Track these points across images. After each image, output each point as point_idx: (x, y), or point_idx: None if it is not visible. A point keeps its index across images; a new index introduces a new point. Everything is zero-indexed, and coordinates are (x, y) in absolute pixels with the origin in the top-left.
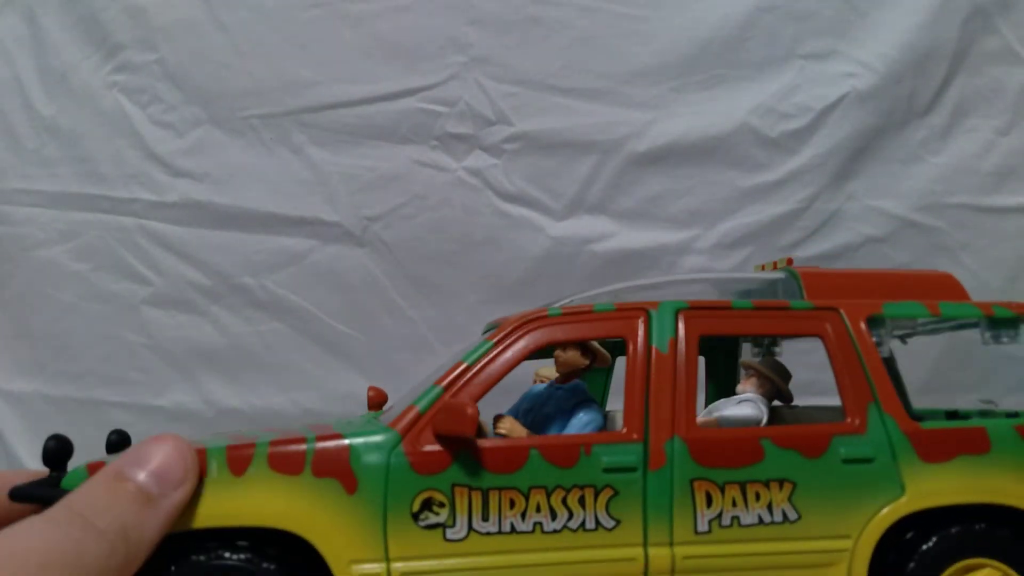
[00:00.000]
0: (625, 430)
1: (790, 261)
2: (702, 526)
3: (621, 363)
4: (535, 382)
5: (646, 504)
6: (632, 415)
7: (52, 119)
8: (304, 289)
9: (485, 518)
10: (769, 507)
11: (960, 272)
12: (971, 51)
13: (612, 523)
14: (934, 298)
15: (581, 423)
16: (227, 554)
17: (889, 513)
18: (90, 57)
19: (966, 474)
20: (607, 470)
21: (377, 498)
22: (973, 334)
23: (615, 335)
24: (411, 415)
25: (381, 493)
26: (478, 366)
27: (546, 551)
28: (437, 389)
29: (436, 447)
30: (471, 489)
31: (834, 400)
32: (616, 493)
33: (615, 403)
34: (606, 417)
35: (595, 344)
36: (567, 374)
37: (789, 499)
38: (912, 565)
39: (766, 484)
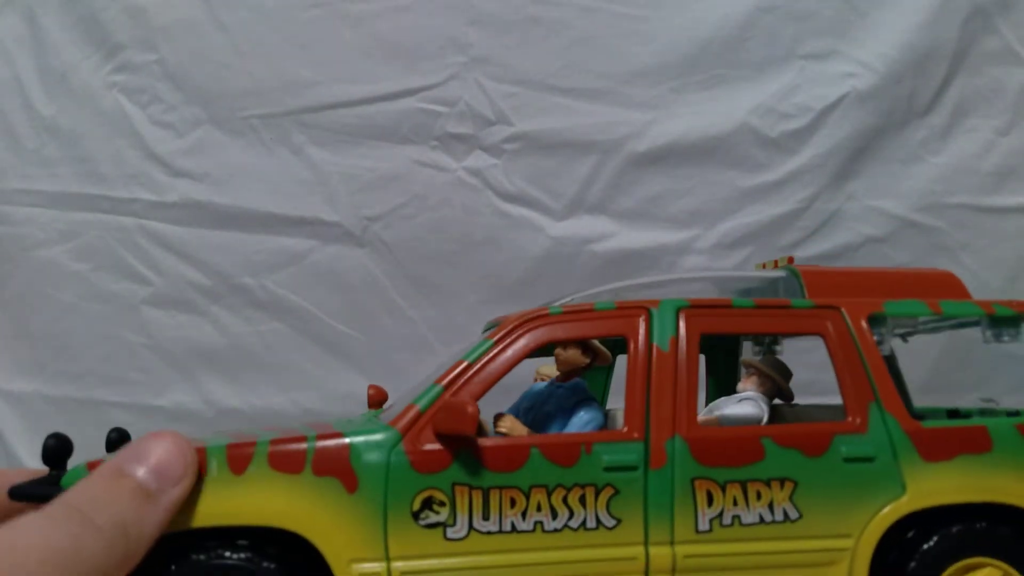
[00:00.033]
0: (626, 429)
1: (791, 260)
2: (703, 525)
3: (622, 361)
4: (536, 380)
5: (647, 503)
6: (633, 414)
7: (52, 119)
8: (304, 289)
9: (486, 517)
10: (770, 506)
11: (960, 272)
12: (971, 51)
13: (613, 522)
14: (935, 296)
15: (582, 422)
16: (227, 553)
17: (890, 512)
18: (90, 57)
19: (967, 473)
20: (608, 469)
21: (377, 497)
22: (974, 333)
23: (616, 333)
24: (411, 414)
25: (381, 492)
26: (479, 364)
27: (547, 550)
28: (437, 388)
29: (436, 446)
30: (472, 488)
31: (835, 399)
32: (617, 492)
33: (615, 402)
34: (607, 416)
35: (596, 343)
36: (568, 372)
37: (790, 498)
38: (913, 564)
39: (767, 483)
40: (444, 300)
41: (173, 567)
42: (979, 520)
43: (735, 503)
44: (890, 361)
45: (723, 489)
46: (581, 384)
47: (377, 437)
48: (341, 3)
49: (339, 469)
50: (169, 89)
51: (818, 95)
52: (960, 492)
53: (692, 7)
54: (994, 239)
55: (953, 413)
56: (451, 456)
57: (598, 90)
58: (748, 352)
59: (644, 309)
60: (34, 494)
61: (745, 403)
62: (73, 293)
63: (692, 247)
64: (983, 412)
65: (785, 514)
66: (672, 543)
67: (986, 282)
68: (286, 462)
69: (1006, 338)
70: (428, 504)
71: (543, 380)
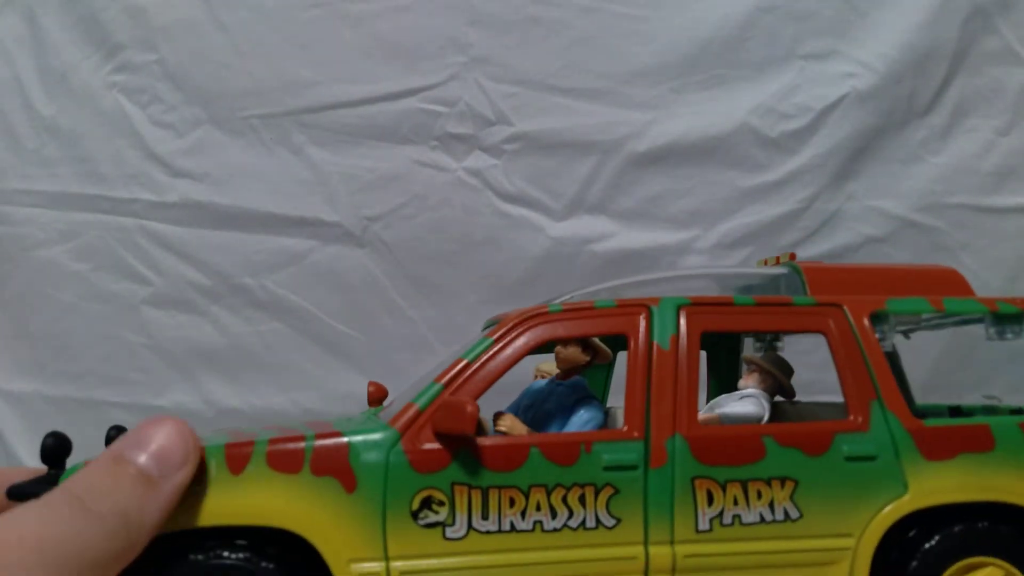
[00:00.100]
0: (626, 428)
1: (793, 256)
2: (703, 524)
3: (622, 359)
4: (536, 377)
5: (647, 502)
6: (633, 412)
7: (52, 119)
8: (304, 289)
9: (485, 517)
10: (771, 505)
11: (960, 272)
12: (971, 51)
13: (613, 521)
14: (938, 293)
15: (582, 420)
16: (226, 553)
17: (892, 511)
18: (90, 57)
19: (969, 472)
20: (608, 468)
21: (376, 496)
22: (976, 331)
23: (616, 331)
24: (410, 413)
25: (380, 491)
26: (478, 363)
27: (546, 550)
28: (437, 386)
29: (436, 445)
30: (471, 487)
31: (836, 397)
32: (617, 491)
33: (615, 400)
34: (607, 414)
35: (596, 340)
36: (568, 370)
37: (791, 497)
38: (915, 564)
39: (768, 482)
40: (444, 300)
41: (172, 567)
42: (981, 519)
43: (735, 502)
44: (892, 359)
45: (723, 488)
46: (581, 382)
47: (376, 436)
48: (341, 3)
49: (338, 468)
50: (169, 89)
51: (818, 95)
52: (962, 491)
53: (692, 7)
54: (994, 239)
55: (955, 411)
56: (450, 455)
57: (598, 90)
58: (749, 349)
59: (644, 307)
60: (33, 493)
61: (746, 401)
62: (73, 293)
63: (692, 247)
64: (986, 410)
65: (786, 513)
66: (672, 543)
67: (986, 282)
68: (284, 462)
69: (1009, 335)
70: (427, 504)
71: (543, 377)
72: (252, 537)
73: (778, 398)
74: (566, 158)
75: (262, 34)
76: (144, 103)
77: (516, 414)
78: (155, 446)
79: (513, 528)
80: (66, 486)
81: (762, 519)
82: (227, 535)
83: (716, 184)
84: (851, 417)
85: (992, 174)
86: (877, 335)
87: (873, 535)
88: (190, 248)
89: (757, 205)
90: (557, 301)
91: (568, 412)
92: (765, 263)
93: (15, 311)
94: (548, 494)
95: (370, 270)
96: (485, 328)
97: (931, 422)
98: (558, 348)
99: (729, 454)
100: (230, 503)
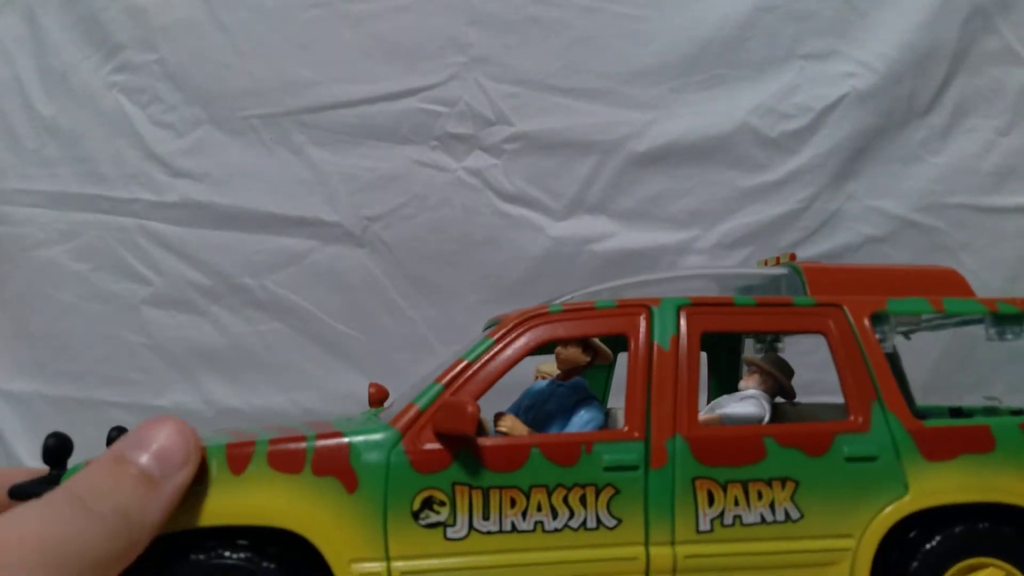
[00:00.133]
0: (626, 428)
1: (793, 256)
2: (704, 525)
3: (622, 361)
4: (536, 378)
5: (648, 503)
6: (633, 413)
7: (52, 119)
8: (304, 289)
9: (486, 517)
10: (771, 506)
11: (960, 272)
12: (971, 51)
13: (613, 522)
14: (938, 294)
15: (582, 421)
16: (227, 553)
17: (892, 512)
18: (90, 57)
19: (970, 473)
20: (608, 468)
21: (377, 497)
22: (976, 331)
23: (616, 332)
24: (411, 413)
25: (381, 492)
26: (479, 363)
27: (547, 550)
28: (437, 387)
29: (436, 445)
30: (472, 488)
31: (836, 398)
32: (617, 492)
33: (616, 401)
34: (607, 415)
35: (596, 341)
36: (568, 371)
37: (792, 498)
38: (915, 564)
39: (768, 483)
40: (444, 300)
41: (173, 567)
42: (982, 520)
43: (736, 503)
44: (892, 360)
45: (724, 489)
46: (582, 383)
47: (377, 437)
48: (341, 3)
49: (339, 469)
50: (169, 89)
51: (818, 95)
52: (962, 492)
53: (692, 7)
54: (994, 239)
55: (956, 412)
56: (451, 456)
57: (598, 90)
58: (750, 350)
59: (645, 307)
60: (34, 493)
61: (747, 402)
62: (73, 293)
63: (692, 247)
64: (986, 411)
65: (786, 514)
66: (673, 543)
67: (986, 282)
68: (285, 462)
69: (1009, 336)
70: (428, 504)
71: (543, 378)
72: (253, 537)
73: (779, 399)
74: (566, 158)
75: (262, 34)
76: (144, 103)
77: (517, 415)
78: (156, 446)
79: (514, 528)
80: (67, 486)
81: (763, 520)
82: (228, 535)
83: (716, 184)
84: (851, 418)
85: (992, 174)
86: (877, 335)
87: (874, 536)
88: (190, 248)
89: (757, 205)
90: (557, 302)
91: (569, 413)
92: (765, 263)
93: (15, 311)
94: (549, 494)
95: (370, 270)
96: (486, 329)
97: (931, 423)
98: (559, 349)
99: (730, 455)
100: (231, 503)
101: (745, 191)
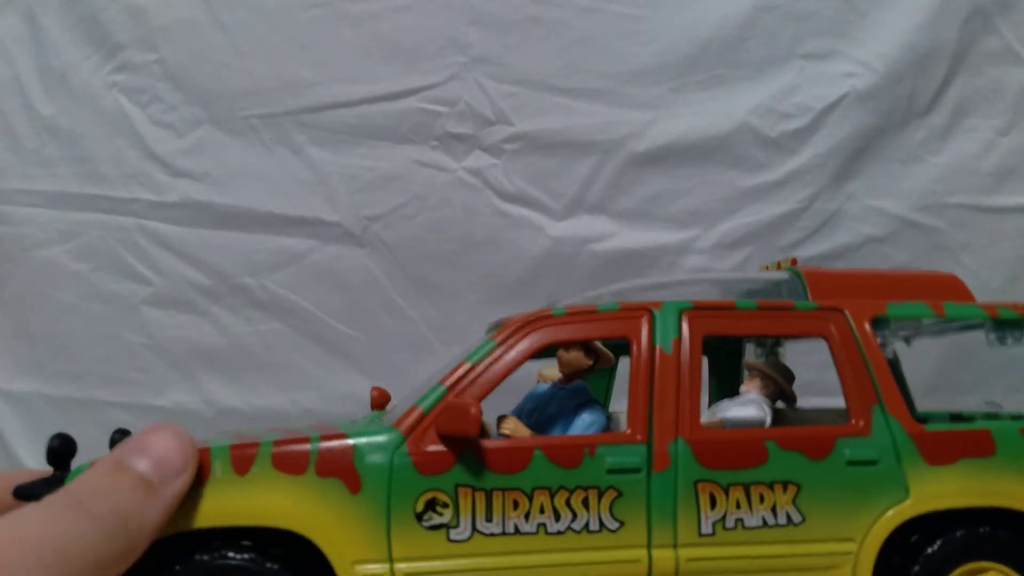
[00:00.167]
0: (629, 431)
1: (794, 261)
2: (706, 528)
3: (624, 365)
4: (538, 382)
5: (650, 506)
6: (636, 416)
7: (52, 119)
8: (304, 289)
9: (489, 519)
10: (773, 509)
11: (960, 272)
12: (971, 51)
13: (616, 524)
14: (938, 299)
15: (584, 424)
16: (231, 554)
17: (894, 516)
18: (90, 57)
19: (970, 477)
20: (611, 471)
21: (381, 498)
22: (976, 335)
23: (619, 335)
24: (415, 415)
25: (385, 493)
26: (482, 365)
27: (550, 552)
28: (441, 388)
29: (440, 447)
30: (475, 490)
31: (836, 401)
32: (620, 494)
33: (617, 404)
34: (609, 419)
35: (598, 344)
36: (570, 375)
37: (793, 501)
38: (917, 568)
39: (770, 486)
40: (444, 300)
41: (177, 567)
42: (983, 524)
43: (738, 506)
44: (893, 364)
45: (726, 492)
46: (583, 386)
47: (380, 438)
48: (341, 3)
49: (342, 470)
50: (169, 89)
51: (818, 95)
52: (963, 496)
53: (692, 7)
54: (994, 239)
55: (956, 417)
56: (454, 457)
57: (598, 90)
58: (751, 355)
59: (647, 311)
60: (38, 494)
61: (748, 406)
62: (73, 293)
63: (692, 247)
64: (987, 416)
65: (788, 517)
66: (675, 546)
67: (986, 282)
68: (289, 463)
69: (1010, 341)
70: (431, 505)
71: (545, 382)
72: (257, 538)
73: (779, 404)
74: (566, 158)
75: (262, 34)
76: (144, 103)
77: (519, 418)
78: (155, 452)
79: (517, 530)
80: (67, 489)
81: (764, 523)
82: (232, 536)
83: (716, 184)
84: (852, 421)
85: (992, 174)
86: (878, 339)
87: (875, 539)
88: (190, 248)
89: (757, 205)
90: (560, 305)
91: (571, 416)
92: (767, 268)
93: (15, 311)
94: (552, 496)
95: (370, 270)
96: (488, 332)
97: (932, 426)
98: (560, 352)
99: (731, 458)
100: (235, 504)
101: (745, 191)
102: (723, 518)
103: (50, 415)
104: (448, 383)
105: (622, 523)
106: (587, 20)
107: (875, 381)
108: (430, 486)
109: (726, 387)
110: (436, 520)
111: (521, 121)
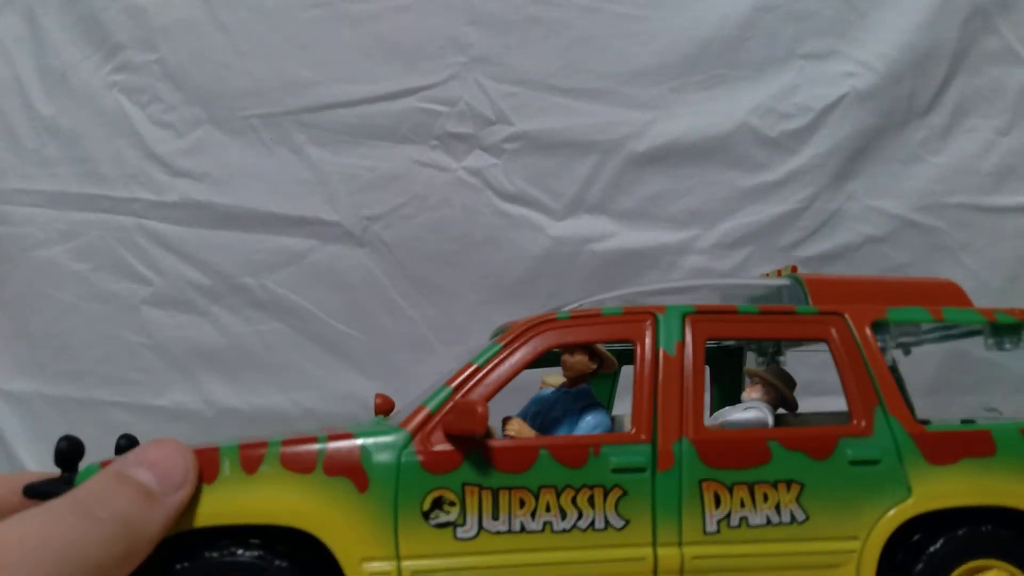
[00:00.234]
0: (633, 431)
1: (795, 268)
2: (711, 526)
3: (627, 369)
4: (541, 388)
5: (655, 504)
6: (640, 416)
7: (52, 119)
8: (304, 289)
9: (495, 517)
10: (777, 508)
11: (960, 272)
12: (971, 51)
13: (621, 523)
14: (937, 304)
15: (589, 425)
16: (240, 551)
17: (896, 515)
18: (90, 57)
19: (972, 476)
20: (616, 470)
21: (388, 497)
22: (975, 339)
23: (623, 338)
24: (421, 415)
25: (392, 492)
26: (488, 367)
27: (555, 550)
28: (447, 389)
29: (447, 446)
30: (481, 488)
31: (837, 404)
32: (625, 493)
33: (620, 408)
34: (613, 421)
35: (602, 348)
36: (575, 378)
37: (797, 500)
38: (920, 566)
39: (774, 485)
40: (444, 300)
41: (186, 564)
42: (984, 523)
43: (742, 505)
44: (892, 368)
45: (730, 491)
46: (588, 390)
47: (388, 438)
48: (341, 3)
49: (350, 469)
50: (169, 89)
51: (818, 95)
52: (965, 495)
53: (692, 7)
54: (994, 239)
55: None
56: (461, 456)
57: (598, 90)
58: (752, 362)
59: (650, 314)
60: (48, 492)
61: (750, 411)
62: (73, 293)
63: (692, 247)
64: None
65: (792, 516)
66: (680, 544)
67: (986, 282)
68: (298, 462)
69: (1008, 346)
70: (438, 504)
71: (549, 388)
72: (265, 536)
73: (781, 411)
74: (566, 158)
75: (262, 34)
76: (144, 103)
77: (524, 421)
78: (156, 465)
79: (523, 529)
80: (69, 494)
81: (768, 521)
82: (241, 533)
83: (716, 184)
84: (854, 422)
85: (992, 174)
86: (878, 343)
87: (878, 538)
88: (190, 248)
89: (757, 205)
90: (565, 309)
91: (575, 417)
92: (768, 275)
93: (15, 311)
94: (558, 495)
95: (370, 270)
96: (493, 335)
97: (933, 427)
98: (565, 356)
99: (735, 457)
100: (244, 502)
101: (745, 191)
102: (727, 516)
103: (50, 415)
104: (454, 384)
105: (627, 521)
106: (587, 20)
107: (876, 383)
108: (437, 485)
109: (728, 395)
110: (443, 518)
111: (521, 121)
